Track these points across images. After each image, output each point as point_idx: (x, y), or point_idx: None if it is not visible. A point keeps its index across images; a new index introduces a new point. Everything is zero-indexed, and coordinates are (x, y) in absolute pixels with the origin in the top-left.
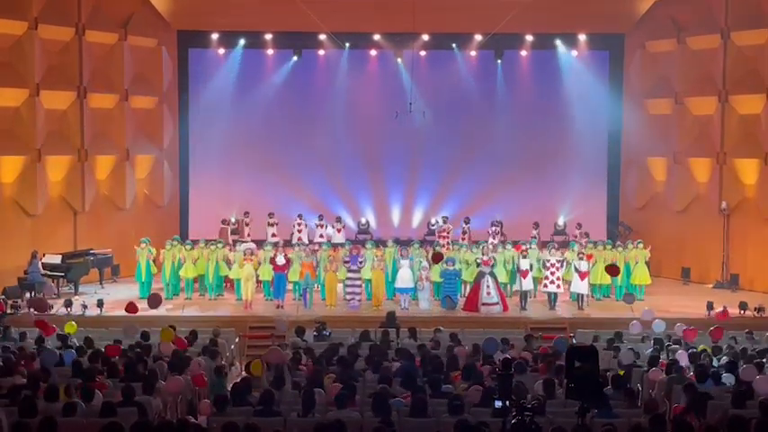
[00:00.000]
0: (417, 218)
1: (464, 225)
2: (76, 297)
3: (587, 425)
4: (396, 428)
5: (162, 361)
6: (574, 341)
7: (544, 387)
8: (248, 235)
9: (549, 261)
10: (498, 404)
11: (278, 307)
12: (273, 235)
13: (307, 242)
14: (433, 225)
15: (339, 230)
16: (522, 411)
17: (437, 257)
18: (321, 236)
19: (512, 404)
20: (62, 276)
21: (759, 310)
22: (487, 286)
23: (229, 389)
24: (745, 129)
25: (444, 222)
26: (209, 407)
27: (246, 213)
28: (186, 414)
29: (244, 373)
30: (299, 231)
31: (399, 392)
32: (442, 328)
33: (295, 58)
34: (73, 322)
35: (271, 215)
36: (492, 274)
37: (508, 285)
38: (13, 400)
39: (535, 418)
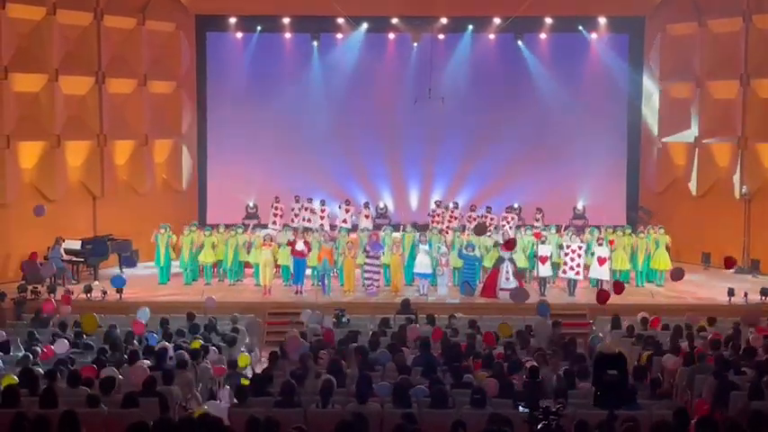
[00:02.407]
0: None
1: (486, 213)
2: (96, 282)
3: (614, 427)
4: (417, 423)
5: (183, 350)
6: (593, 327)
7: (564, 377)
8: (274, 222)
9: (569, 247)
10: (523, 410)
11: (297, 293)
12: (291, 220)
13: (329, 227)
14: (451, 208)
15: (367, 216)
16: (547, 416)
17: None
18: (345, 221)
19: (539, 412)
20: (82, 262)
21: None
22: (506, 272)
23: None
24: (766, 112)
25: (437, 207)
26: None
27: (277, 198)
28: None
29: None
30: (322, 218)
31: (419, 383)
32: (457, 314)
33: (314, 43)
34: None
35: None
36: (511, 260)
37: (527, 271)
38: (33, 392)
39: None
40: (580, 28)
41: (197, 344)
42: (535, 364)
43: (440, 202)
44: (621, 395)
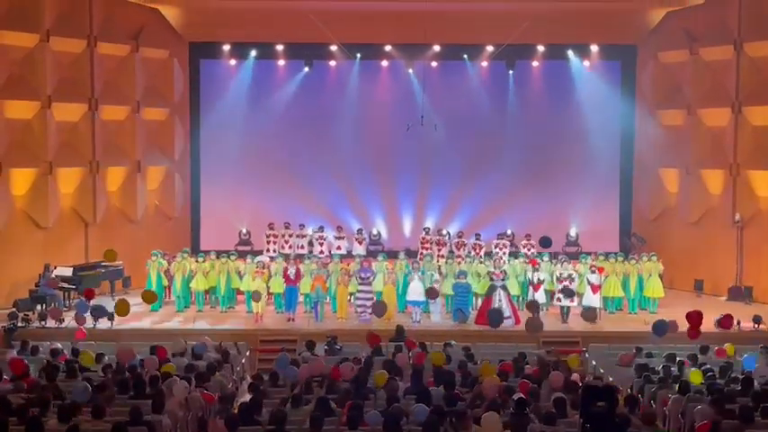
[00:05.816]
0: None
1: (476, 240)
2: None
3: None
4: None
5: (175, 377)
6: (587, 355)
7: (555, 405)
8: (268, 249)
9: (561, 274)
10: None
11: (289, 320)
12: (282, 247)
13: (326, 254)
14: (443, 235)
15: (360, 242)
16: None
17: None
18: (338, 247)
19: None
20: (73, 289)
21: None
22: (499, 300)
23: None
24: (758, 140)
25: (427, 234)
26: (220, 426)
27: (271, 225)
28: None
29: None
30: (321, 244)
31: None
32: (452, 342)
33: (306, 69)
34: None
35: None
36: (504, 287)
37: (520, 298)
38: (21, 419)
39: None
40: (569, 53)
41: (170, 367)
42: (522, 395)
43: (428, 229)
44: (608, 428)
